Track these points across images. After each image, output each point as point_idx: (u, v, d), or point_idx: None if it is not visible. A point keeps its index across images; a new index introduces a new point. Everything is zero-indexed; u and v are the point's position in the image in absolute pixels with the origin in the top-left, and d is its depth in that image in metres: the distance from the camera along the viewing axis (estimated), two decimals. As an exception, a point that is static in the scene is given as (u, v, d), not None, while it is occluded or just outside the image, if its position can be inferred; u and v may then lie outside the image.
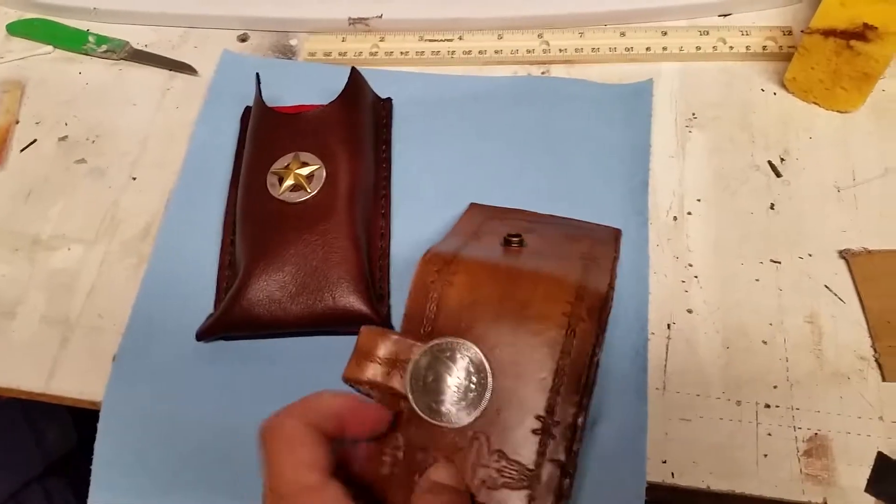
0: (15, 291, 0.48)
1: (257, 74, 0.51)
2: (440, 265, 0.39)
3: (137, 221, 0.51)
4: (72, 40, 0.59)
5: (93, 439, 0.43)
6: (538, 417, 0.35)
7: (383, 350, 0.37)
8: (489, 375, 0.36)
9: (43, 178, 0.53)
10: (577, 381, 0.36)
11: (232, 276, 0.46)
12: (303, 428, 0.31)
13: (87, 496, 0.42)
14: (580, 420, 0.36)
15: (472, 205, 0.49)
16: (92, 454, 0.43)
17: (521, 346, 0.36)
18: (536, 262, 0.40)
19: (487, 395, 0.36)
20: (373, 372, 0.36)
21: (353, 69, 0.51)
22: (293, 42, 0.59)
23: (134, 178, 0.53)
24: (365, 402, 0.34)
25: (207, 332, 0.44)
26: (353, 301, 0.44)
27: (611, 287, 0.39)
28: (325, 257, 0.44)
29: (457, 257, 0.39)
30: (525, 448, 0.35)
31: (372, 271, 0.46)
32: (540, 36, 0.56)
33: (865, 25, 0.48)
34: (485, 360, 0.36)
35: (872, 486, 0.39)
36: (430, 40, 0.57)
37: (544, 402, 0.35)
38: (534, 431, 0.35)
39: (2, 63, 0.59)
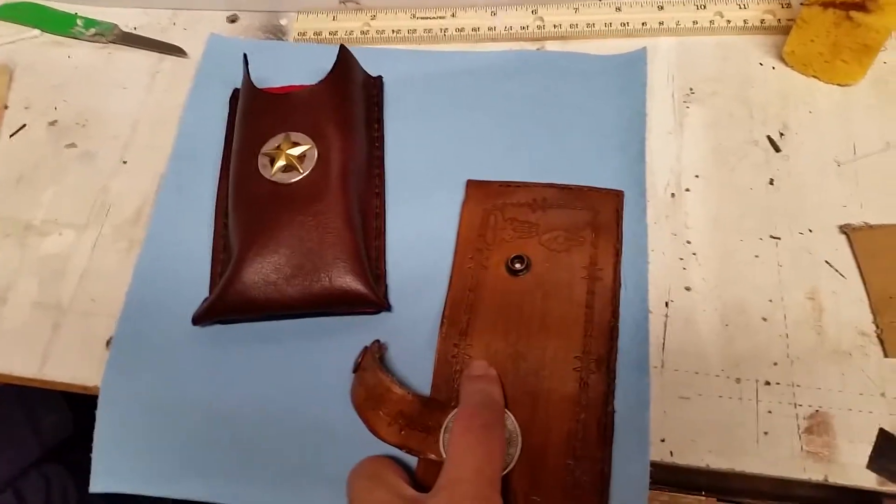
0: (6, 277, 0.48)
1: (245, 55, 0.51)
2: (457, 339, 0.43)
3: (128, 205, 0.50)
4: (60, 24, 0.58)
5: (90, 425, 0.42)
6: (566, 467, 0.38)
7: (408, 409, 0.39)
8: (518, 435, 0.39)
9: (33, 163, 0.52)
10: (597, 429, 0.39)
11: (226, 259, 0.46)
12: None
13: (85, 482, 0.42)
14: (606, 469, 0.38)
15: (470, 183, 0.48)
16: (89, 440, 0.42)
17: (542, 403, 0.40)
18: (542, 306, 0.43)
19: (517, 452, 0.39)
20: (405, 436, 0.39)
21: (342, 47, 0.50)
22: (283, 22, 0.58)
23: (124, 162, 0.52)
24: None
25: (203, 317, 0.44)
26: (349, 281, 0.43)
27: (615, 298, 0.43)
28: (319, 238, 0.44)
29: (469, 329, 0.43)
30: (557, 496, 0.38)
31: (368, 251, 0.46)
32: (534, 12, 0.55)
33: (865, -4, 0.47)
34: (513, 420, 0.39)
35: (874, 463, 0.39)
36: (423, 18, 0.56)
37: (571, 452, 0.39)
38: (564, 480, 0.38)
39: (-11, 48, 0.58)
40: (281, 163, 0.46)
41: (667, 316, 0.44)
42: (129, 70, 0.56)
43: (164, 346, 0.44)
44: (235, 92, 0.53)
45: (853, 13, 0.47)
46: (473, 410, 0.38)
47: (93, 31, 0.58)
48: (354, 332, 0.44)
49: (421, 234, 0.47)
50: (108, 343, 0.45)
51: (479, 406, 0.38)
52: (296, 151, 0.46)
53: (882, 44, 0.48)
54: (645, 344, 0.42)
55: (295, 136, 0.47)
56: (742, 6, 0.54)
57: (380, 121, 0.52)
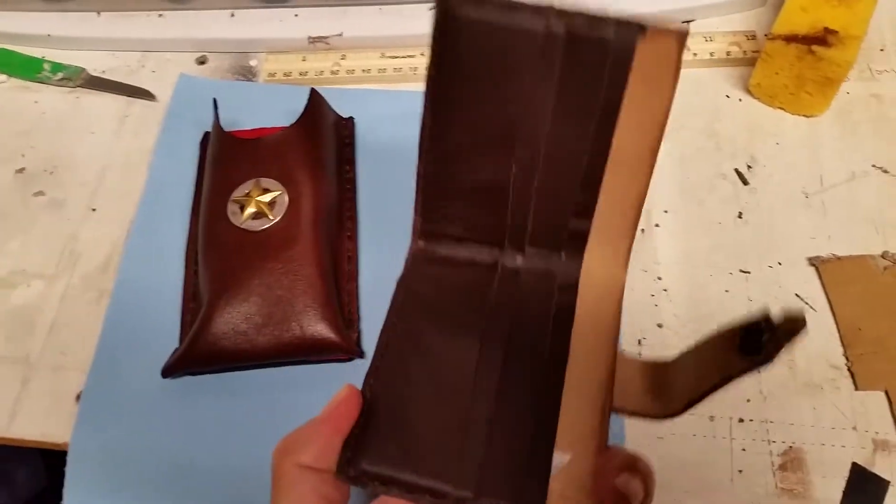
0: (-26, 332, 0.47)
1: (214, 100, 0.50)
2: None
3: (98, 254, 0.50)
4: (26, 68, 0.58)
5: (63, 479, 0.42)
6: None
7: None
8: None
9: (0, 212, 0.52)
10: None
11: (196, 308, 0.45)
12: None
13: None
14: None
15: None
16: (61, 493, 0.42)
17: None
18: None
19: None
20: None
21: (313, 90, 0.50)
22: (253, 63, 0.58)
23: (93, 210, 0.51)
24: (343, 398, 0.30)
25: (172, 369, 0.43)
26: (321, 329, 0.43)
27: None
28: (290, 286, 0.44)
29: None
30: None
31: (340, 296, 0.46)
32: (502, 49, 0.55)
33: (826, 30, 0.48)
34: None
35: (848, 498, 0.39)
36: (392, 57, 0.56)
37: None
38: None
39: (-45, 94, 0.58)
40: (251, 210, 0.46)
41: (640, 354, 0.44)
42: (98, 115, 0.56)
43: (135, 399, 0.44)
44: (206, 135, 0.53)
45: (815, 47, 0.47)
46: None
47: (60, 75, 0.57)
48: (327, 381, 0.43)
49: (395, 277, 0.47)
50: (78, 397, 0.44)
51: None
52: (266, 198, 0.46)
53: (844, 77, 0.48)
54: (618, 385, 0.42)
55: (265, 182, 0.47)
56: (708, 39, 0.55)
57: (352, 162, 0.52)
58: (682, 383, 0.30)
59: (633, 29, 0.28)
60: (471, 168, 0.32)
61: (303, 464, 0.28)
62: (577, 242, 0.33)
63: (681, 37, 0.28)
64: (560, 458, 0.27)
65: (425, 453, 0.28)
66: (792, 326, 0.26)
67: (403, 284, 0.34)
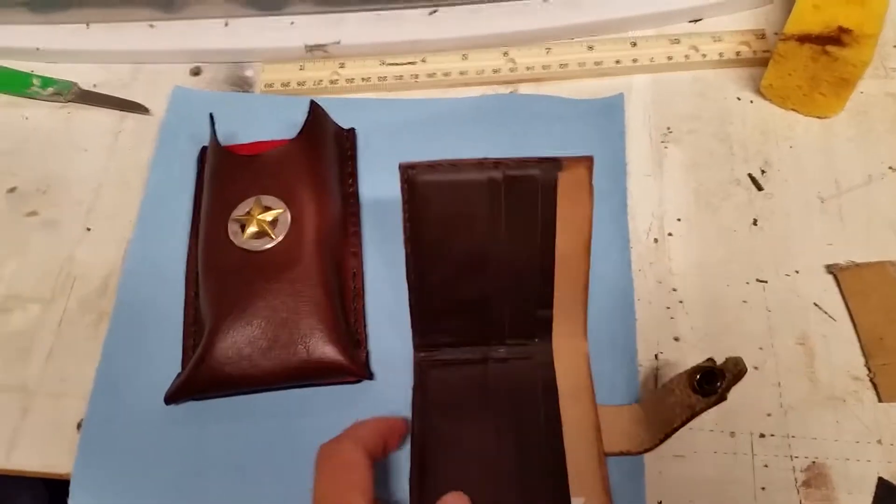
0: (-31, 360, 0.46)
1: (211, 115, 0.49)
2: None
3: (95, 276, 0.48)
4: (15, 83, 0.56)
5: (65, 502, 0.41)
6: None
7: None
8: None
9: (-7, 234, 0.50)
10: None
11: (198, 331, 0.44)
12: (359, 452, 0.34)
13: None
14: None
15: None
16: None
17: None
18: None
19: None
20: None
21: (313, 103, 0.49)
22: (249, 73, 0.56)
23: (89, 229, 0.50)
24: (395, 419, 0.39)
25: (175, 396, 0.42)
26: (327, 351, 0.42)
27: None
28: (295, 307, 0.42)
29: None
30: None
31: (346, 316, 0.44)
32: (505, 54, 0.54)
33: (840, 29, 0.46)
34: None
35: (876, 515, 0.38)
36: (392, 64, 0.55)
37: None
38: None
39: (-58, 112, 0.56)
40: (252, 229, 0.44)
41: (657, 369, 0.43)
42: (91, 130, 0.54)
43: (137, 426, 0.42)
44: (204, 149, 0.51)
45: (829, 48, 0.46)
46: None
47: (51, 90, 0.56)
48: (336, 404, 0.42)
49: (402, 292, 0.46)
50: (79, 426, 0.43)
51: None
52: (268, 216, 0.45)
53: (859, 77, 0.47)
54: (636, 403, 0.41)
55: (266, 199, 0.45)
56: (716, 38, 0.54)
57: (354, 175, 0.50)
58: (653, 422, 0.38)
59: (553, 165, 0.38)
60: (455, 291, 0.41)
61: (359, 437, 0.35)
62: (544, 327, 0.42)
63: (588, 163, 0.38)
64: (577, 502, 0.36)
65: None
66: (737, 371, 0.35)
67: (418, 391, 0.42)
